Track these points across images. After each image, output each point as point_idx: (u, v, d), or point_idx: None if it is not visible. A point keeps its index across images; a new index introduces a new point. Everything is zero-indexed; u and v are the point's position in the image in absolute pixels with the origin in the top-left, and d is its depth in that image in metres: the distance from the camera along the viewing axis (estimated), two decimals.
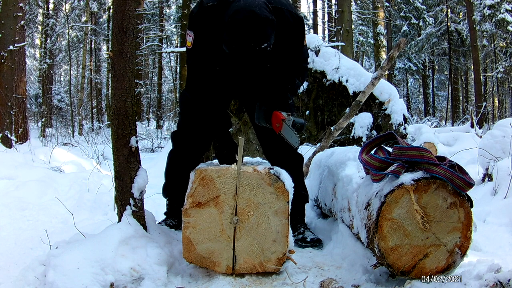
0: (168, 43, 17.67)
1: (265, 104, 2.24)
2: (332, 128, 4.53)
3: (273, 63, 2.25)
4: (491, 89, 19.29)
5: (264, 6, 1.95)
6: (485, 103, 14.33)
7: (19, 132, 6.49)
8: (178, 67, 16.41)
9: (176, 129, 2.55)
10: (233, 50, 1.94)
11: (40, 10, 18.59)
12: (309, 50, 6.02)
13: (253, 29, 1.87)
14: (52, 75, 20.18)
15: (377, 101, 6.04)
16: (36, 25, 19.05)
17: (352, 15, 11.35)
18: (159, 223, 2.40)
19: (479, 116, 11.43)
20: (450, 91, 18.35)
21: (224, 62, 2.21)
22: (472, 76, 16.43)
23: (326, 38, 17.44)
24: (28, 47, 17.29)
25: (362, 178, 2.03)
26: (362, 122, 5.92)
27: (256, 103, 2.31)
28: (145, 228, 1.97)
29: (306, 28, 22.18)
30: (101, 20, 21.55)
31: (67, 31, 16.99)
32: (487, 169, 3.55)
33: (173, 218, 2.48)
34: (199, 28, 2.15)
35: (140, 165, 1.98)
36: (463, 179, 1.62)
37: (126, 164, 1.91)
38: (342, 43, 9.01)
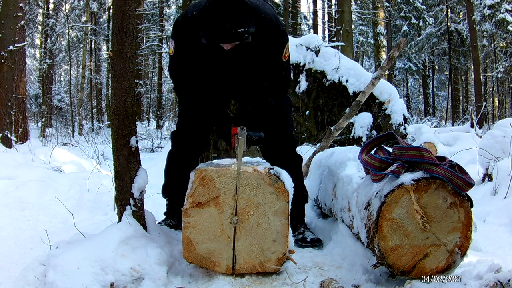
0: (168, 43, 17.66)
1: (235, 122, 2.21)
2: (332, 128, 4.53)
3: (252, 69, 2.28)
4: (491, 89, 19.28)
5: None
6: (485, 103, 14.33)
7: (19, 132, 6.49)
8: None
9: (175, 129, 2.56)
10: (211, 36, 1.95)
11: (40, 10, 18.59)
12: (309, 50, 6.02)
13: (228, 10, 1.90)
14: (52, 75, 20.18)
15: (377, 101, 6.04)
16: (36, 25, 19.04)
17: (352, 15, 11.35)
18: (159, 223, 2.40)
19: (479, 116, 11.43)
20: (450, 91, 18.34)
21: (207, 66, 2.27)
22: (472, 76, 16.42)
23: (326, 38, 17.45)
24: (28, 47, 17.28)
25: (362, 178, 2.03)
26: (362, 122, 5.91)
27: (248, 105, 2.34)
28: (145, 228, 1.97)
29: (306, 28, 22.03)
30: (101, 20, 21.55)
31: (67, 31, 16.99)
32: (487, 169, 3.55)
33: (173, 218, 2.48)
34: (180, 37, 2.21)
35: (140, 165, 1.98)
36: (463, 179, 1.62)
37: (126, 164, 1.91)
38: (342, 43, 9.00)
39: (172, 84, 2.80)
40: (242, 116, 2.35)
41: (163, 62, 20.94)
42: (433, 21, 18.32)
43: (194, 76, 2.29)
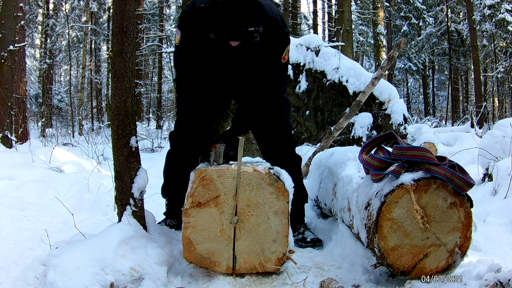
0: (168, 43, 17.63)
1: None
2: (332, 128, 4.53)
3: (252, 67, 2.27)
4: (491, 89, 19.29)
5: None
6: (485, 103, 14.33)
7: (19, 132, 6.49)
8: None
9: (174, 129, 2.55)
10: (220, 33, 1.95)
11: (40, 10, 18.58)
12: (309, 50, 6.02)
13: (240, 8, 1.90)
14: (52, 75, 20.17)
15: (377, 101, 6.04)
16: (36, 25, 19.04)
17: (352, 15, 11.35)
18: (159, 223, 2.40)
19: (479, 116, 11.42)
20: (450, 91, 18.34)
21: (210, 60, 2.26)
22: (472, 76, 16.42)
23: (326, 38, 17.44)
24: (28, 47, 17.30)
25: (362, 178, 2.03)
26: (362, 122, 5.91)
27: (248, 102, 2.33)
28: (145, 228, 1.97)
29: (306, 28, 22.05)
30: (101, 20, 21.54)
31: (67, 31, 16.98)
32: (487, 169, 3.55)
33: (173, 218, 2.48)
34: (187, 28, 2.20)
35: (140, 165, 1.98)
36: (463, 179, 1.62)
37: (126, 164, 1.91)
38: (342, 43, 8.99)
39: (172, 84, 2.79)
40: (240, 116, 2.34)
41: (163, 62, 20.94)
42: (433, 21, 18.32)
43: (197, 69, 2.28)
